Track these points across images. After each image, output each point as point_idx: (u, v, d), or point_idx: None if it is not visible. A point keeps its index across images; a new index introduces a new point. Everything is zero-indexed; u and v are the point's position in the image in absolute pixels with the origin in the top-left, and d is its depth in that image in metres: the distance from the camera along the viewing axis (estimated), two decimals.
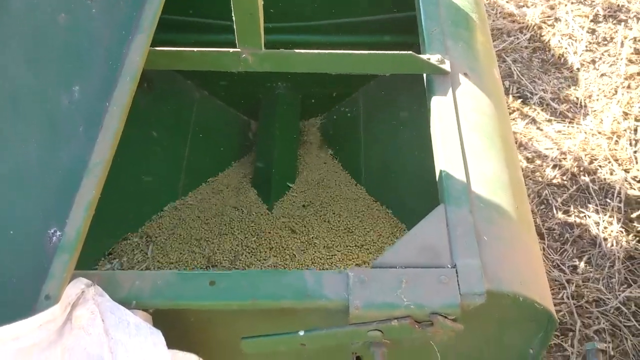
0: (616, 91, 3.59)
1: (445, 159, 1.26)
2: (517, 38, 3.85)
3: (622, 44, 3.81)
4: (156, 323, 1.10)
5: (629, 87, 3.61)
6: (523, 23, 3.92)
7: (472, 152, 1.27)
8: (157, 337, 1.05)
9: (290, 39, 2.25)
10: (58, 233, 1.08)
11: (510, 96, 3.63)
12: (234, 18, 1.32)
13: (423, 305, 1.07)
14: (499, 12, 3.97)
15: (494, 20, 3.91)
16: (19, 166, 1.09)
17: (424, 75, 1.43)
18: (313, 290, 1.09)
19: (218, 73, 2.29)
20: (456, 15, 1.52)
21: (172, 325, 1.10)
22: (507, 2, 4.01)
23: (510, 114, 3.57)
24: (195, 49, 1.42)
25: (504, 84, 3.68)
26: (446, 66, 1.40)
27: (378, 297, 1.08)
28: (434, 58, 1.41)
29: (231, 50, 1.40)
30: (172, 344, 1.08)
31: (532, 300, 1.11)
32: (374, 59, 1.42)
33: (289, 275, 1.12)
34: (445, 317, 1.07)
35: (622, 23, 3.91)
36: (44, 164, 1.12)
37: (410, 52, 1.41)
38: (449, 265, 1.11)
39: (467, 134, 1.30)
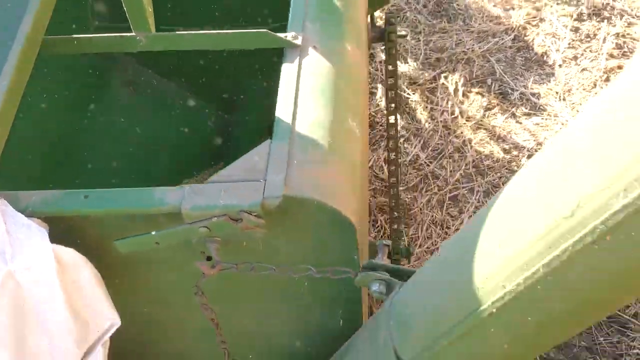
0: (595, 84, 3.76)
1: (280, 111, 1.60)
2: (502, 39, 4.09)
3: (604, 40, 3.97)
4: (51, 229, 1.48)
5: (607, 79, 3.77)
6: (508, 25, 4.15)
7: (303, 104, 1.60)
8: (43, 234, 1.44)
9: None
10: None
11: (492, 93, 3.87)
12: (125, 8, 1.72)
13: (234, 205, 1.41)
14: (486, 16, 4.22)
15: (479, 24, 4.17)
16: None
17: (284, 50, 1.77)
18: (159, 200, 1.46)
19: (198, 73, 2.70)
20: (320, 1, 1.86)
21: (61, 230, 1.48)
22: (493, 5, 4.26)
23: (490, 109, 3.80)
24: (97, 35, 1.82)
25: (486, 82, 3.92)
26: (298, 41, 1.74)
27: (203, 201, 1.43)
28: (289, 35, 1.75)
29: (128, 34, 1.79)
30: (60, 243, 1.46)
31: (324, 203, 1.42)
32: (236, 36, 1.78)
33: (143, 191, 1.48)
34: (250, 214, 1.40)
35: (606, 20, 4.07)
36: None
37: (265, 29, 1.76)
38: (261, 180, 1.45)
39: (303, 91, 1.63)
